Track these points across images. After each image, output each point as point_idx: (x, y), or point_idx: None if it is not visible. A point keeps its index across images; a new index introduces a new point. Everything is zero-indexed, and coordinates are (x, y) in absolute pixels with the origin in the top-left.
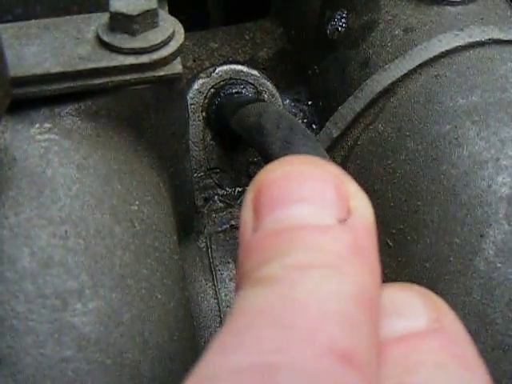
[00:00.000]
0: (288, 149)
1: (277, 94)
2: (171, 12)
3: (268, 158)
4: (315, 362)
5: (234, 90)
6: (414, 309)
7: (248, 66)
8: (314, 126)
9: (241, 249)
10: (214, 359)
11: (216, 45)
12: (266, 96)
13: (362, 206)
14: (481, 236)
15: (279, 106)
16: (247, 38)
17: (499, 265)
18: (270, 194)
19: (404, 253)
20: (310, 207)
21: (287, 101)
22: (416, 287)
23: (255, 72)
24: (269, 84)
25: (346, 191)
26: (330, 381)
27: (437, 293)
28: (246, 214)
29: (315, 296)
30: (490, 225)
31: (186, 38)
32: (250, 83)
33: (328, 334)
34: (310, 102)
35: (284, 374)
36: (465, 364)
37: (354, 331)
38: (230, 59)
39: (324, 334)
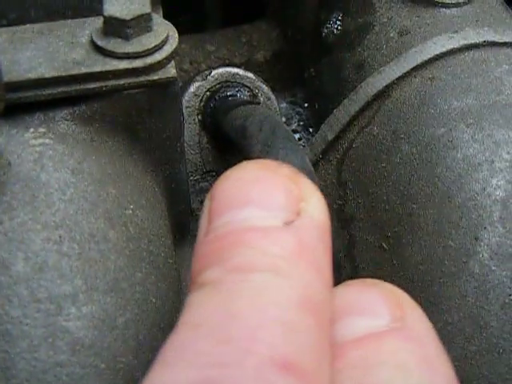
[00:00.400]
0: (267, 152)
1: (272, 97)
2: (168, 14)
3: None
4: (255, 374)
5: (229, 93)
6: (375, 307)
7: (244, 69)
8: (310, 129)
9: (193, 253)
10: (156, 375)
11: (213, 47)
12: (261, 99)
13: (312, 207)
14: (475, 239)
15: (275, 108)
16: (244, 40)
17: (494, 268)
18: (220, 199)
19: (399, 256)
20: (257, 210)
21: (283, 103)
22: (380, 283)
23: (251, 75)
24: (264, 87)
25: (297, 193)
26: None
27: (431, 296)
28: (202, 219)
29: (254, 304)
30: (485, 228)
31: (182, 41)
32: (246, 86)
33: (267, 343)
34: (306, 105)
35: None
36: (426, 363)
37: (296, 338)
38: (227, 62)
39: (263, 344)
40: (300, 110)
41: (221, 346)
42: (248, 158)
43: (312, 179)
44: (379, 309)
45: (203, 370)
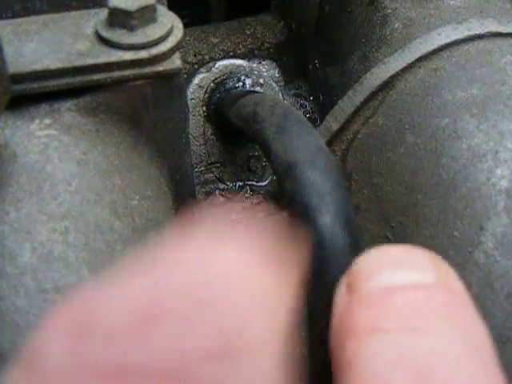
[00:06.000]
0: (282, 134)
1: (277, 89)
2: (173, 6)
3: (263, 144)
4: None
5: (233, 85)
6: (424, 266)
7: (248, 61)
8: (315, 121)
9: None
10: None
11: (217, 39)
12: (266, 90)
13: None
14: (480, 229)
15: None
16: (248, 32)
17: (498, 258)
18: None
19: None
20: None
21: (288, 96)
22: (427, 251)
23: (255, 66)
24: (269, 78)
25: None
26: None
27: None
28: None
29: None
30: (489, 218)
31: (186, 33)
32: (250, 78)
33: None
34: (311, 97)
35: None
36: (467, 323)
37: None
38: (231, 54)
39: None
40: (305, 102)
41: None
42: (261, 141)
43: (329, 159)
44: (427, 268)
45: None
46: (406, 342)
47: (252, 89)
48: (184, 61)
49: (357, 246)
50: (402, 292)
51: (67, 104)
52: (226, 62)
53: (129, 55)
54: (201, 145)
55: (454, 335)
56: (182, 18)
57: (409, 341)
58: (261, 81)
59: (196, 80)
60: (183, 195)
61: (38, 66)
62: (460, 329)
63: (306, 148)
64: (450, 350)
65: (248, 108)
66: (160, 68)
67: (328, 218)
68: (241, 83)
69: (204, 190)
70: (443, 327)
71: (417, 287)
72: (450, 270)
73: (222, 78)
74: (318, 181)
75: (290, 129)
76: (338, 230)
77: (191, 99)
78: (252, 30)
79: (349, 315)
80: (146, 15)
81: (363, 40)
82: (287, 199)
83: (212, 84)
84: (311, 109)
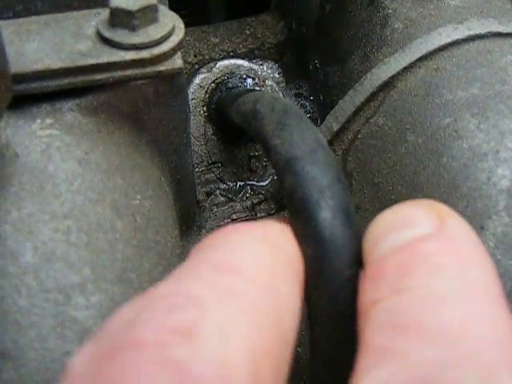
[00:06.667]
0: (282, 129)
1: (277, 89)
2: (173, 6)
3: (263, 140)
4: None
5: (234, 85)
6: (415, 219)
7: (248, 60)
8: (316, 121)
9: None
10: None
11: (217, 40)
12: (267, 90)
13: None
14: (481, 228)
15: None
16: (248, 32)
17: (499, 257)
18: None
19: None
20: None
21: (288, 95)
22: (423, 201)
23: (255, 66)
24: (269, 78)
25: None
26: None
27: None
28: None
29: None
30: (490, 217)
31: (186, 33)
32: (251, 77)
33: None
34: (311, 97)
35: None
36: (461, 260)
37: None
38: (231, 54)
39: None
40: (305, 102)
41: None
42: (261, 138)
43: (328, 154)
44: (419, 220)
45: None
46: (395, 305)
47: (251, 88)
48: (184, 61)
49: (358, 240)
50: (395, 254)
51: (69, 104)
52: (226, 62)
53: (130, 55)
54: (202, 145)
55: (444, 283)
56: (182, 18)
57: (397, 303)
58: (261, 81)
59: (197, 80)
60: (184, 195)
61: (40, 66)
62: (452, 274)
63: (305, 143)
64: (436, 297)
65: (248, 105)
66: (161, 68)
67: (328, 213)
68: (241, 83)
69: (205, 189)
70: (431, 279)
71: (409, 243)
72: (450, 216)
73: (222, 78)
74: (318, 175)
75: (289, 124)
76: (338, 225)
77: (192, 99)
78: (252, 30)
79: (359, 295)
80: (148, 15)
81: (364, 40)
82: (287, 194)
83: (213, 84)
84: (312, 109)
